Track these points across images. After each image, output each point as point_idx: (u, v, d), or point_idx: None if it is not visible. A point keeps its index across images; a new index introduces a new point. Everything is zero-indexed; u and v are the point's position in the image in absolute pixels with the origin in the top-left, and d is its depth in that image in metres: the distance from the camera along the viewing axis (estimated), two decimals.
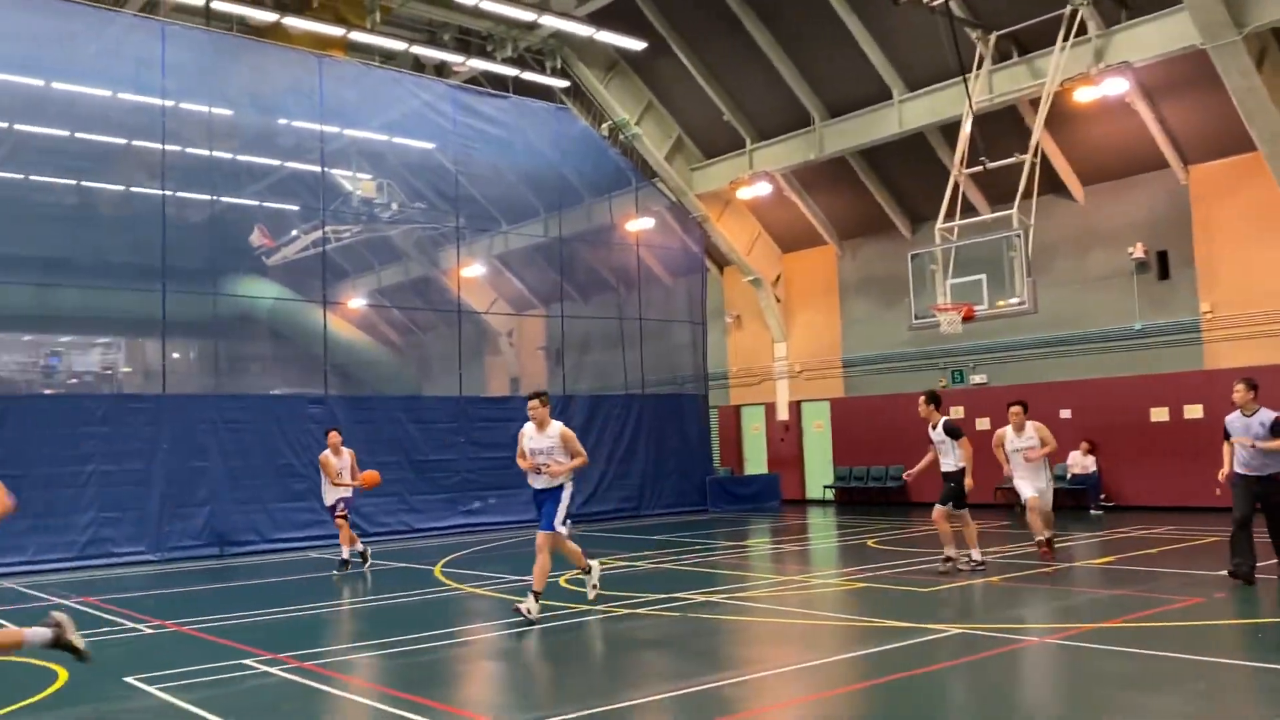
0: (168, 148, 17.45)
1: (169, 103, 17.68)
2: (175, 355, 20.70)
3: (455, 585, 12.72)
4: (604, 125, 23.82)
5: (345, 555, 14.26)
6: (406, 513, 19.17)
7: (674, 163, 24.12)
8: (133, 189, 18.27)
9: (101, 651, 8.60)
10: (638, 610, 10.19)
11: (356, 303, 26.57)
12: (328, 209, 20.58)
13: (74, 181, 17.99)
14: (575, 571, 10.85)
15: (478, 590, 12.22)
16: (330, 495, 14.34)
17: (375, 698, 7.26)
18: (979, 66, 18.44)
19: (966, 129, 17.88)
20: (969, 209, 19.16)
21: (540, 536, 9.83)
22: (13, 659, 8.14)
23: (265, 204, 20.84)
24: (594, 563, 10.68)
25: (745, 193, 23.49)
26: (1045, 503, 12.82)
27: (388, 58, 22.81)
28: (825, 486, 24.56)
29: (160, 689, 7.48)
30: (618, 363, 23.10)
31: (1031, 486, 12.67)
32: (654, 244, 24.45)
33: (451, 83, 22.22)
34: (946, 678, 7.28)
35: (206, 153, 18.42)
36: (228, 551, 16.93)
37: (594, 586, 10.53)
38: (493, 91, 22.38)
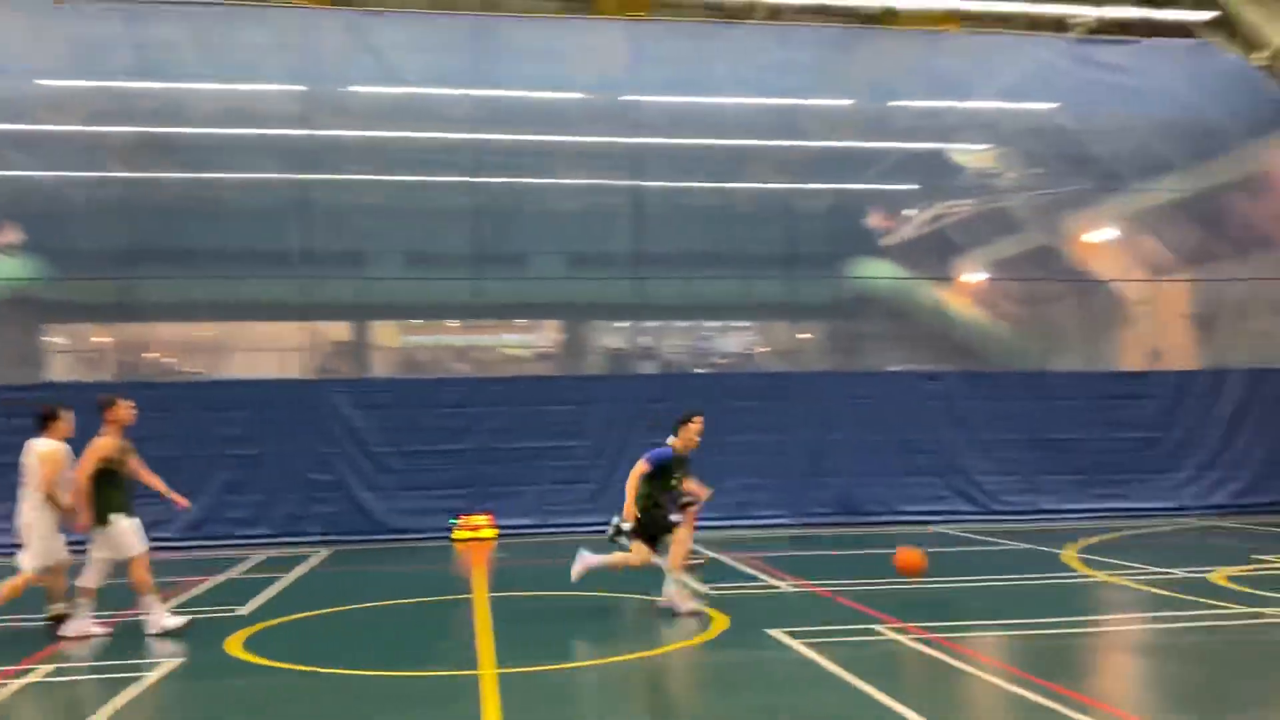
0: (792, 144, 18.82)
1: (793, 101, 19.03)
2: (804, 336, 22.27)
3: (1089, 571, 12.00)
4: (1262, 54, 20.41)
5: None
6: (1031, 492, 18.50)
7: None
8: (763, 185, 20.04)
9: (747, 604, 9.72)
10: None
11: (973, 277, 26.14)
12: (942, 184, 20.62)
13: (714, 185, 20.21)
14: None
15: (1114, 578, 11.40)
16: None
17: (1004, 678, 7.16)
18: None
19: None
20: None
21: None
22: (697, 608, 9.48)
23: (881, 186, 21.51)
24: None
25: None
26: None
27: (1001, 20, 22.00)
28: None
29: (800, 643, 8.16)
30: None
31: None
32: None
33: (1070, 37, 20.78)
34: None
35: (825, 144, 19.58)
36: (854, 520, 17.74)
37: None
38: (1117, 39, 20.48)
